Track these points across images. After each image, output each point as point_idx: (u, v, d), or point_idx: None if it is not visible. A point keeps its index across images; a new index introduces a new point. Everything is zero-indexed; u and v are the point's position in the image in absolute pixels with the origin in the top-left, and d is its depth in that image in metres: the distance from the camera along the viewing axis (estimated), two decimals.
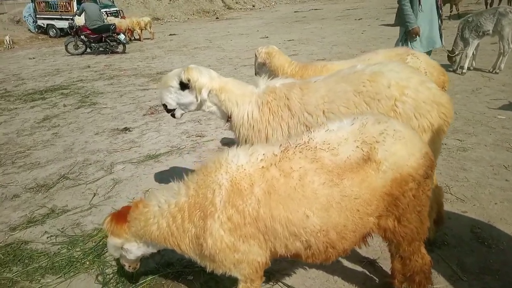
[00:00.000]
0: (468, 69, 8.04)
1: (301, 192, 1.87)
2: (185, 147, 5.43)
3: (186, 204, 2.01)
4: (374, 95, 2.58)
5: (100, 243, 3.34)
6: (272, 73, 4.11)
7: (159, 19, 29.60)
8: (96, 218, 3.79)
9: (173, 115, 3.12)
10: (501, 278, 2.66)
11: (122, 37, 14.87)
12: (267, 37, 16.58)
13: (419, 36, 5.26)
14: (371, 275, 2.81)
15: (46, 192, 4.41)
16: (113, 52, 15.04)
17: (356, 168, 1.90)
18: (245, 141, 2.93)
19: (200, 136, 5.81)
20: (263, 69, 4.30)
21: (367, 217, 1.95)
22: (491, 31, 7.59)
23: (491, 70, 7.90)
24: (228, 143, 5.43)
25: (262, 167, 1.93)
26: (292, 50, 12.47)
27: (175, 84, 2.90)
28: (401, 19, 5.40)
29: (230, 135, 5.69)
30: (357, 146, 1.91)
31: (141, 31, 18.99)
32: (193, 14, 32.87)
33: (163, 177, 4.53)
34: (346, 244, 1.99)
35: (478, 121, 5.46)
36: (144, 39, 19.04)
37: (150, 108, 7.47)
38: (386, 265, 2.85)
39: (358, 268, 2.86)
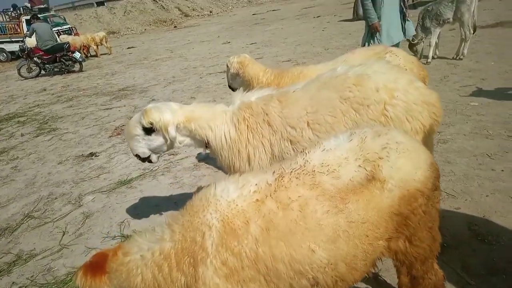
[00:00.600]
0: (433, 58, 8.13)
1: (303, 225, 1.65)
2: (158, 168, 5.11)
3: (173, 250, 1.75)
4: (362, 100, 2.41)
5: None
6: (247, 83, 3.88)
7: (114, 32, 28.82)
8: (68, 261, 3.44)
9: (149, 162, 2.91)
10: (508, 277, 2.55)
11: (77, 55, 14.23)
12: (229, 42, 16.37)
13: (378, 31, 5.28)
14: None
15: (10, 235, 4.00)
16: (69, 72, 14.39)
17: (359, 189, 1.71)
18: (228, 164, 2.73)
19: (173, 154, 5.50)
20: (237, 79, 4.06)
21: (377, 241, 1.76)
22: (451, 19, 7.70)
23: (455, 57, 8.01)
24: (204, 158, 5.16)
25: (257, 200, 1.70)
26: (256, 53, 12.31)
27: (139, 131, 2.68)
28: (364, 15, 5.45)
29: None
30: (359, 166, 1.71)
31: (97, 47, 18.33)
32: (150, 24, 32.21)
33: (139, 205, 4.22)
34: (356, 274, 1.79)
35: (453, 110, 5.46)
36: (101, 54, 18.40)
37: (115, 129, 7.07)
38: (389, 277, 2.71)
39: (362, 285, 2.68)
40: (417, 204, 1.77)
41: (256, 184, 1.75)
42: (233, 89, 4.22)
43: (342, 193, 1.70)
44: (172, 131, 2.60)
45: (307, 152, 1.83)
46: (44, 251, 3.62)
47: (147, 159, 2.86)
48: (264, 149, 2.61)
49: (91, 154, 5.96)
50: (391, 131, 1.87)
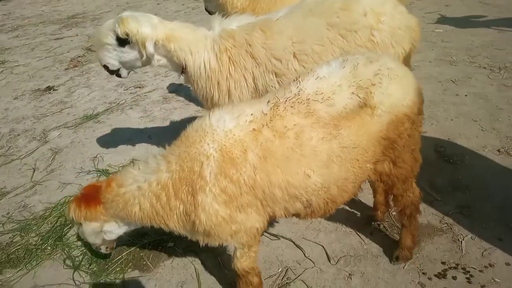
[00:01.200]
0: None
1: (299, 152, 1.69)
2: (126, 102, 4.93)
3: (170, 180, 1.76)
4: (350, 26, 2.38)
5: (57, 224, 2.99)
6: (221, 7, 3.68)
7: None
8: (44, 197, 3.38)
9: (118, 75, 2.69)
10: (471, 192, 2.82)
11: None
12: None
13: None
14: (352, 210, 2.84)
15: None
16: None
17: (352, 115, 1.75)
18: (205, 94, 2.63)
19: (139, 87, 5.30)
20: (212, 2, 3.83)
21: (366, 164, 1.86)
22: None
23: None
24: (174, 90, 5.02)
25: (253, 129, 1.70)
26: None
27: (112, 40, 2.44)
28: None
29: (173, 81, 5.28)
30: (353, 93, 1.74)
31: None
32: None
33: (110, 139, 4.11)
34: (346, 196, 1.90)
35: None
36: None
37: (71, 60, 6.61)
38: (364, 197, 2.89)
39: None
40: (404, 128, 1.85)
41: (251, 114, 1.74)
42: (210, 12, 4.00)
43: (336, 120, 1.74)
44: (150, 47, 2.40)
45: (300, 80, 1.82)
46: (16, 189, 3.51)
47: (115, 72, 2.65)
48: (246, 83, 2.53)
49: (49, 88, 5.61)
50: (382, 57, 1.88)
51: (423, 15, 6.37)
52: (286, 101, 1.75)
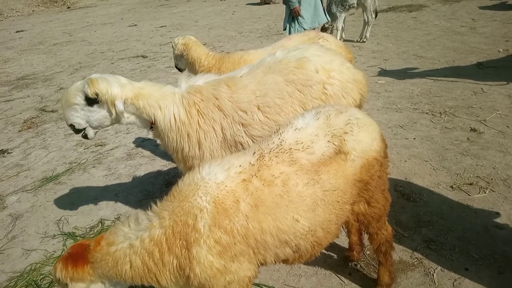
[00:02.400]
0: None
1: (287, 198, 1.81)
2: (88, 161, 4.83)
3: (163, 236, 1.78)
4: (305, 82, 2.64)
5: None
6: (190, 65, 3.89)
7: None
8: (6, 266, 3.17)
9: (84, 136, 2.71)
10: (434, 227, 3.05)
11: None
12: (136, 24, 15.56)
13: (299, 15, 5.60)
14: (329, 253, 2.94)
15: None
16: None
17: (329, 161, 1.92)
18: (175, 147, 2.71)
19: (100, 145, 5.23)
20: (182, 60, 4.04)
21: (345, 205, 2.00)
22: (355, 4, 8.38)
23: (359, 40, 8.77)
24: (138, 146, 5.02)
25: (244, 180, 1.81)
26: (168, 37, 11.96)
27: (80, 100, 2.51)
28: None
29: (135, 136, 5.29)
30: (329, 141, 1.92)
31: None
32: (38, 5, 28.90)
33: (74, 200, 3.98)
34: (330, 237, 2.02)
35: None
36: None
37: (25, 122, 6.42)
38: (338, 240, 3.02)
39: None
40: (374, 171, 2.04)
41: (240, 165, 1.85)
42: (180, 70, 4.20)
43: (316, 166, 1.89)
44: (120, 106, 2.49)
45: (281, 132, 1.98)
46: None
47: (81, 132, 2.66)
48: (215, 133, 2.66)
49: (2, 152, 5.37)
50: (349, 109, 2.11)
51: (365, 68, 6.99)
52: (270, 151, 1.89)
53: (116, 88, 2.51)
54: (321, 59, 2.70)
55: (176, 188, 1.87)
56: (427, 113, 4.97)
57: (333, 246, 2.98)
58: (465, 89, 5.54)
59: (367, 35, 8.64)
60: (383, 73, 6.64)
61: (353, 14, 11.12)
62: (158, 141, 2.87)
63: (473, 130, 4.39)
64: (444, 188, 3.48)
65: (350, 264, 2.81)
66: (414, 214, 3.20)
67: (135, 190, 4.08)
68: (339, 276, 2.72)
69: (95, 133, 2.75)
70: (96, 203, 3.92)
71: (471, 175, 3.59)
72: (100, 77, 2.52)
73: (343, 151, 1.93)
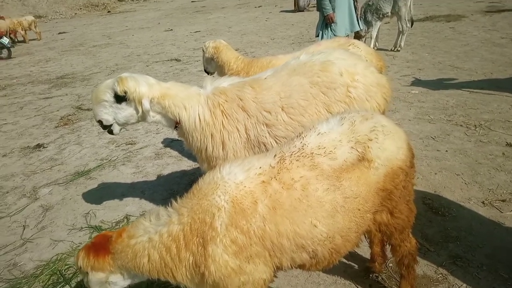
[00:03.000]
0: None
1: (306, 203, 1.79)
2: (118, 158, 4.98)
3: (181, 232, 1.81)
4: (329, 84, 2.64)
5: (49, 282, 2.91)
6: (220, 68, 3.96)
7: (41, 16, 26.64)
8: (35, 254, 3.29)
9: (110, 132, 2.80)
10: (461, 243, 2.92)
11: (5, 40, 13.01)
12: (172, 29, 15.97)
13: (333, 21, 5.57)
14: (350, 262, 2.88)
15: None
16: None
17: (351, 168, 1.88)
18: (199, 146, 2.75)
19: (131, 144, 5.38)
20: (212, 64, 4.12)
21: (366, 214, 1.96)
22: (389, 13, 8.25)
23: (393, 49, 8.61)
24: (167, 146, 5.12)
25: (263, 181, 1.80)
26: (202, 42, 12.15)
27: (110, 97, 2.60)
28: (318, 6, 5.69)
29: (165, 137, 5.39)
30: (352, 147, 1.89)
31: (25, 32, 16.87)
32: (81, 8, 30.22)
33: (102, 195, 4.10)
34: (349, 246, 1.98)
35: (396, 97, 5.92)
36: (30, 40, 16.98)
37: (61, 119, 6.70)
38: (360, 250, 2.96)
39: None
40: (399, 180, 1.99)
41: (260, 167, 1.85)
42: (208, 73, 4.28)
43: (337, 172, 1.86)
44: (146, 104, 2.56)
45: (303, 136, 1.97)
46: (5, 246, 3.42)
47: (108, 128, 2.75)
48: (239, 133, 2.69)
49: (38, 146, 5.62)
50: (376, 115, 2.07)
51: (398, 77, 6.85)
52: (291, 155, 1.88)
53: (144, 87, 2.59)
54: (345, 63, 2.70)
55: (197, 186, 1.90)
56: (461, 125, 4.80)
57: (354, 256, 2.91)
58: (503, 102, 5.32)
59: (402, 44, 8.47)
60: (416, 83, 6.48)
61: (389, 22, 10.96)
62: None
63: (509, 145, 4.20)
64: (475, 204, 3.34)
65: (371, 275, 2.74)
66: (442, 229, 3.09)
67: (160, 189, 4.15)
68: (359, 287, 2.66)
69: (120, 130, 2.83)
70: (123, 199, 4.03)
71: (505, 191, 3.43)
72: (130, 76, 2.61)
73: (366, 158, 1.90)
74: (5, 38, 13.14)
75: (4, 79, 10.24)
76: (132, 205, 3.91)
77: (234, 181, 1.81)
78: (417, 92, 6.08)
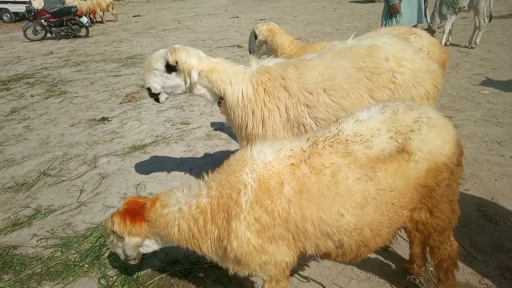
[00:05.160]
0: (445, 44, 8.11)
1: (334, 190, 1.74)
2: (172, 136, 5.19)
3: (209, 205, 1.85)
4: (374, 69, 2.55)
5: (97, 244, 3.13)
6: (272, 51, 3.95)
7: None
8: (87, 217, 3.56)
9: (156, 100, 2.91)
10: None
11: (84, 19, 14.06)
12: (238, 16, 16.18)
13: (399, 12, 5.29)
14: (387, 261, 2.77)
15: (27, 191, 4.10)
16: (75, 36, 14.27)
17: (389, 159, 1.79)
18: (240, 123, 2.77)
19: (185, 124, 5.57)
20: (263, 47, 4.13)
21: (402, 210, 1.86)
22: (466, 7, 7.65)
23: (467, 45, 8.02)
24: (218, 128, 5.24)
25: (292, 164, 1.79)
26: None
27: (161, 66, 2.69)
28: None
29: (217, 120, 5.51)
30: (391, 137, 1.79)
31: (103, 13, 18.07)
32: None
33: (153, 169, 4.31)
34: (379, 241, 1.89)
35: (464, 96, 5.52)
36: (107, 21, 18.14)
37: (126, 96, 7.10)
38: (399, 249, 2.84)
39: (372, 255, 2.81)
40: (442, 177, 1.86)
41: (291, 150, 1.83)
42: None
43: (373, 162, 1.78)
44: (195, 76, 2.64)
45: (340, 122, 1.90)
46: (63, 207, 3.73)
47: (155, 96, 2.86)
48: (279, 113, 2.69)
49: (103, 119, 6.02)
50: (422, 106, 1.94)
51: (469, 76, 6.38)
52: (325, 140, 1.83)
53: (195, 59, 2.67)
54: (393, 48, 2.59)
55: (227, 161, 1.93)
56: None
57: (392, 255, 2.80)
58: None
59: (477, 40, 7.85)
60: (488, 82, 5.98)
61: (466, 18, 10.19)
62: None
63: None
64: None
65: (408, 277, 2.61)
66: (494, 238, 2.85)
67: (207, 168, 4.15)
68: (394, 287, 2.55)
69: (166, 99, 2.94)
70: (172, 174, 4.20)
71: None
72: (182, 47, 2.70)
73: (406, 150, 1.79)
74: (84, 17, 14.17)
75: (80, 55, 11.06)
76: (179, 180, 4.07)
77: (263, 160, 1.81)
78: (487, 92, 5.62)
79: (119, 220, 2.03)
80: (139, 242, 2.10)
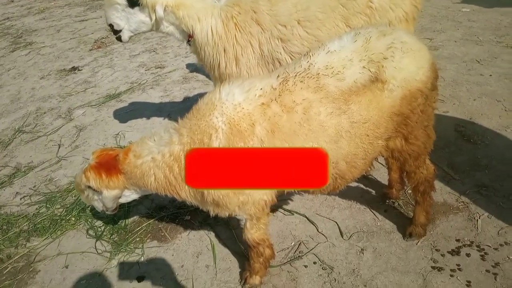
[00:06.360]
0: None
1: (307, 127, 1.71)
2: (147, 82, 5.02)
3: (182, 152, 1.82)
4: None
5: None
6: None
7: None
8: (68, 171, 3.52)
9: (118, 38, 2.74)
10: (490, 172, 2.77)
11: None
12: None
13: None
14: (367, 188, 2.84)
15: (4, 149, 4.00)
16: None
17: (362, 90, 1.74)
18: (211, 62, 2.65)
19: (160, 68, 5.37)
20: None
21: (377, 141, 1.86)
22: None
23: None
24: (194, 70, 5.07)
25: (262, 103, 1.73)
26: None
27: (122, 0, 2.51)
28: None
29: (193, 61, 5.32)
30: (364, 67, 1.73)
31: None
32: None
33: (131, 117, 4.21)
34: (356, 172, 1.91)
35: (444, 16, 5.37)
36: None
37: (95, 42, 6.74)
38: (379, 176, 2.89)
39: (353, 183, 2.86)
40: (417, 104, 1.83)
41: (261, 88, 1.76)
42: None
43: (346, 95, 1.74)
44: (160, 11, 2.47)
45: (311, 55, 1.82)
46: (42, 163, 3.67)
47: (118, 33, 2.70)
48: (253, 49, 2.57)
49: (74, 68, 5.76)
50: (396, 31, 1.86)
51: None
52: (296, 75, 1.76)
53: None
54: None
55: (196, 106, 1.86)
56: None
57: (372, 182, 2.86)
58: None
59: None
60: None
61: None
62: None
63: None
64: None
65: (387, 201, 2.69)
66: (471, 157, 2.92)
67: (186, 112, 4.17)
68: (374, 211, 2.64)
69: (130, 37, 2.76)
70: (151, 121, 4.13)
71: None
72: None
73: (380, 79, 1.74)
74: None
75: (43, 1, 10.30)
76: (159, 127, 3.99)
77: (232, 102, 1.74)
78: (468, 10, 5.46)
79: (94, 175, 1.99)
80: (118, 194, 2.09)
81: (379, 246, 2.38)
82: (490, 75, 3.86)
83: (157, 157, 1.87)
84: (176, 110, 4.26)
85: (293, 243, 2.50)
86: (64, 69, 5.80)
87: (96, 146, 3.81)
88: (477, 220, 2.44)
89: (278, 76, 1.79)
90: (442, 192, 2.67)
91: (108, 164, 2.00)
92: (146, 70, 5.36)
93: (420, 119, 1.89)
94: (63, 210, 3.03)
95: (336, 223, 2.59)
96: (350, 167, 1.86)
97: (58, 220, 2.94)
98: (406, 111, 1.82)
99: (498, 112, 3.33)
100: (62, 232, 2.85)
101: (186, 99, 4.46)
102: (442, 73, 4.00)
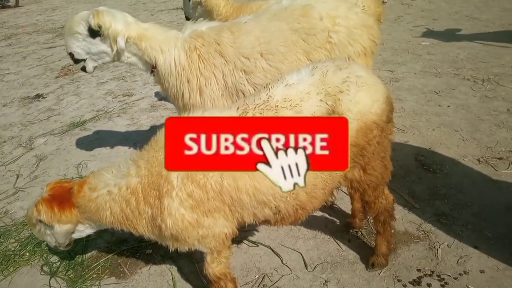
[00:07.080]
0: None
1: None
2: (114, 110, 4.95)
3: (139, 185, 1.77)
4: (309, 30, 2.51)
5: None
6: (207, 13, 3.75)
7: None
8: (25, 203, 3.35)
9: (83, 69, 2.71)
10: (449, 201, 2.84)
11: None
12: None
13: None
14: (332, 218, 2.85)
15: None
16: (3, 7, 13.04)
17: None
18: (175, 92, 2.65)
19: (128, 95, 5.32)
20: (198, 9, 3.91)
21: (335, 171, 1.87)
22: None
23: None
24: (163, 98, 5.05)
25: None
26: None
27: (83, 30, 2.48)
28: None
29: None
30: (321, 100, 1.76)
31: None
32: None
33: (95, 146, 4.11)
34: (316, 203, 1.91)
35: (405, 49, 5.63)
36: None
37: (62, 69, 6.65)
38: (343, 205, 2.91)
39: (318, 213, 2.87)
40: (372, 136, 1.87)
41: None
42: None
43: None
44: (121, 43, 2.45)
45: (270, 87, 1.85)
46: None
47: (80, 62, 2.66)
48: (216, 80, 2.58)
49: (38, 96, 5.63)
50: (351, 65, 1.92)
51: (410, 28, 6.49)
52: (255, 107, 1.77)
53: (121, 24, 2.46)
54: (326, 6, 2.55)
55: (154, 138, 1.84)
56: (468, 79, 4.55)
57: (337, 211, 2.88)
58: None
59: None
60: (429, 34, 6.12)
61: None
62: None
63: None
64: (470, 161, 3.21)
65: (351, 231, 2.70)
66: (431, 186, 3.00)
67: None
68: (338, 241, 2.63)
69: (94, 68, 2.73)
70: (115, 150, 4.04)
71: (503, 149, 3.28)
72: (107, 10, 2.49)
73: (337, 111, 1.77)
74: None
75: (10, 28, 10.16)
76: (124, 156, 3.92)
77: None
78: (427, 43, 5.76)
79: (46, 209, 1.91)
80: (71, 229, 2.00)
81: (343, 278, 2.37)
82: (448, 106, 4.03)
83: (114, 190, 1.82)
84: (143, 139, 4.19)
85: (257, 276, 2.45)
86: (28, 96, 5.66)
87: (56, 177, 3.68)
88: (437, 249, 2.48)
89: (238, 108, 1.80)
90: (403, 221, 2.71)
91: (61, 197, 1.92)
92: (113, 98, 5.30)
93: (376, 150, 1.93)
94: (17, 245, 2.87)
95: (301, 254, 2.57)
96: (310, 197, 1.86)
97: (12, 255, 2.77)
98: (362, 142, 1.86)
99: (456, 141, 3.46)
100: (15, 268, 2.68)
101: (153, 128, 4.41)
102: (403, 104, 4.15)
